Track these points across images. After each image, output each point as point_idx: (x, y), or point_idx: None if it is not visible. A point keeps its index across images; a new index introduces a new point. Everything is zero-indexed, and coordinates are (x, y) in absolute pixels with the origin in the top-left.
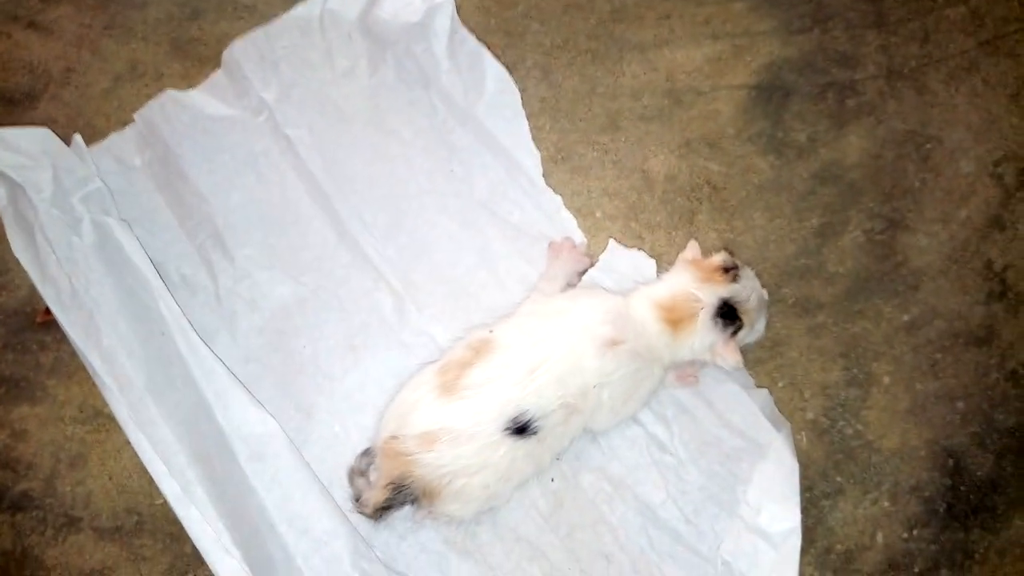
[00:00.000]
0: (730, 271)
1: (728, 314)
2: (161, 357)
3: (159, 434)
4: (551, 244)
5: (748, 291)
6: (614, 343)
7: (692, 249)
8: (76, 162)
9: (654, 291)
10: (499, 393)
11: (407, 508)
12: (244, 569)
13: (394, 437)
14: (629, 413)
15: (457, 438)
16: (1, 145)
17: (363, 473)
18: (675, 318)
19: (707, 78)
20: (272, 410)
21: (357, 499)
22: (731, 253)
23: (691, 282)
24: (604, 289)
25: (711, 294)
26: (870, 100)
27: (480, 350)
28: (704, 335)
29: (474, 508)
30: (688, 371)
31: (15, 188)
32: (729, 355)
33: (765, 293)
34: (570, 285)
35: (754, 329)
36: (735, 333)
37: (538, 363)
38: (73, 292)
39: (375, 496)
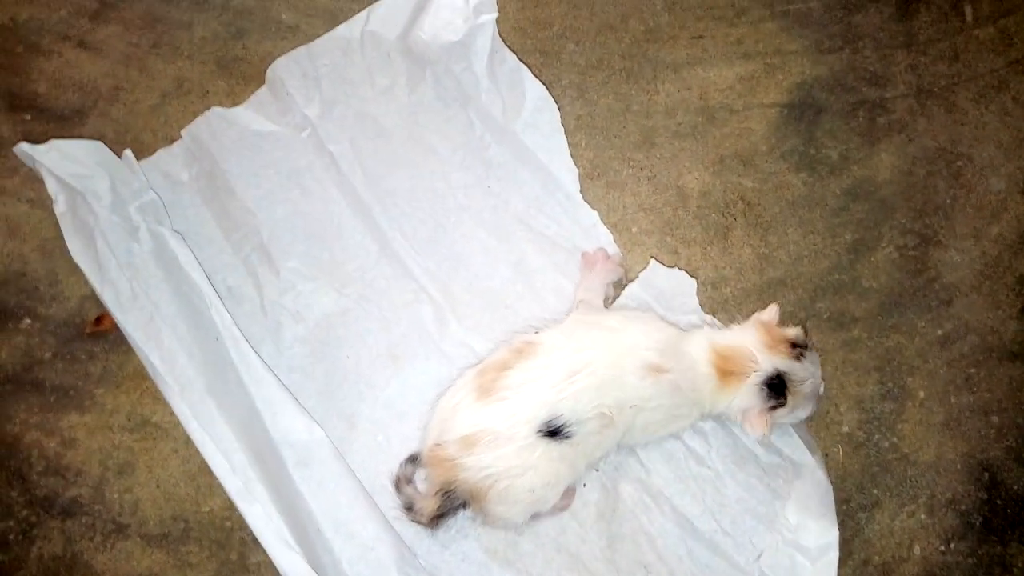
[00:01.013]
0: (797, 348)
1: (777, 388)
2: (217, 361)
3: (220, 432)
4: (584, 255)
5: (806, 374)
6: (658, 370)
7: (771, 312)
8: (129, 174)
9: (717, 336)
10: (536, 394)
11: (459, 515)
12: (306, 565)
13: (438, 444)
14: (660, 439)
15: (496, 440)
16: (58, 155)
17: (410, 481)
18: (727, 369)
19: (740, 96)
20: (315, 419)
21: (409, 508)
22: (806, 332)
23: (756, 342)
24: (661, 318)
25: (769, 362)
26: (900, 118)
27: (522, 352)
28: (745, 397)
29: (521, 511)
30: (758, 420)
31: (75, 195)
32: (756, 426)
33: (823, 387)
34: (607, 296)
35: (794, 413)
36: (774, 408)
37: (580, 368)
38: (133, 295)
39: (428, 505)
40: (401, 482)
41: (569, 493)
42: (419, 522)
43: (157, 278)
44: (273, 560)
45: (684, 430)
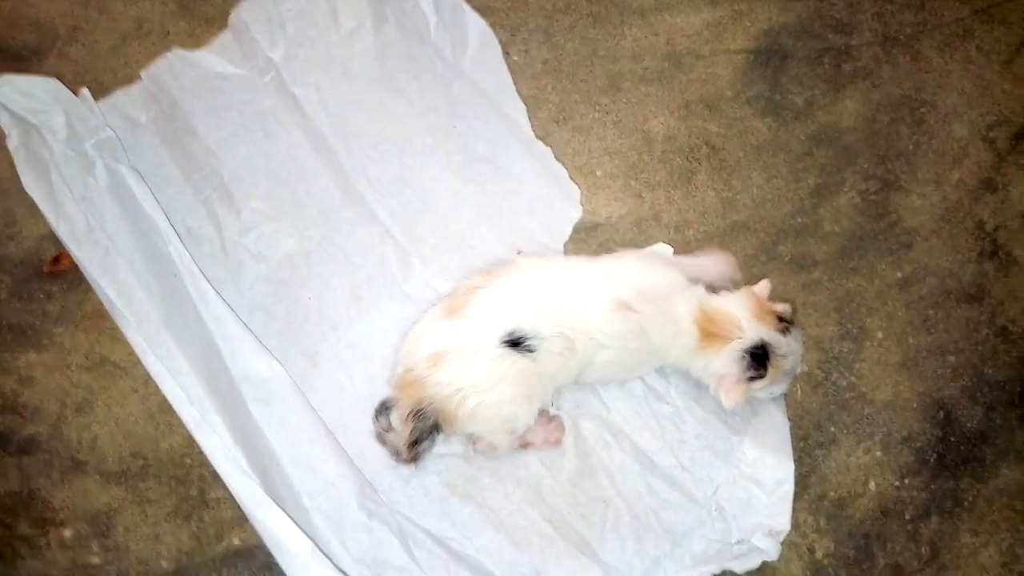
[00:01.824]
0: (784, 323)
1: (759, 358)
2: (175, 296)
3: (177, 366)
4: (727, 257)
5: (789, 350)
6: (627, 308)
7: (764, 287)
8: (86, 111)
9: (708, 298)
10: (501, 309)
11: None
12: (264, 494)
13: (407, 370)
14: (616, 381)
15: (463, 354)
16: (12, 90)
17: (388, 428)
18: (710, 330)
19: (706, 42)
20: (278, 357)
21: (396, 453)
22: (795, 311)
23: (744, 310)
24: (677, 262)
25: (756, 331)
26: (865, 65)
27: (493, 273)
28: (724, 362)
29: (497, 429)
30: (735, 389)
31: (28, 129)
32: (732, 394)
33: (804, 366)
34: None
35: (770, 387)
36: (752, 379)
37: (547, 287)
38: (89, 229)
39: (403, 433)
40: (383, 432)
41: (558, 426)
42: (403, 460)
43: (113, 213)
44: (230, 488)
45: (642, 375)
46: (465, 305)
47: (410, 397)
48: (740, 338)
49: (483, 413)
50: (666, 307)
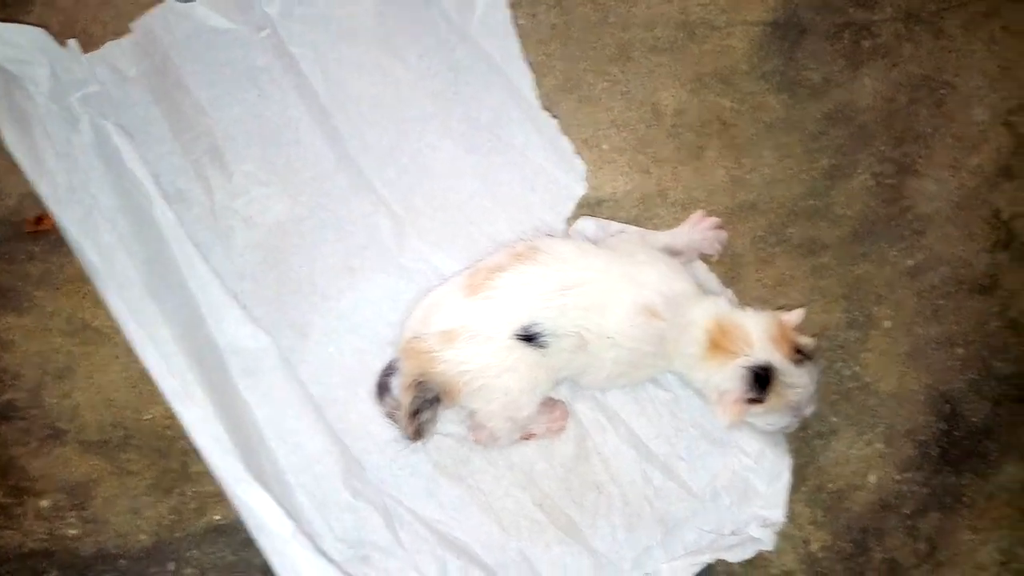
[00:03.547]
0: (801, 354)
1: (762, 380)
2: (159, 262)
3: (158, 334)
4: (696, 214)
5: (798, 382)
6: (654, 315)
7: (796, 316)
8: (73, 63)
9: (724, 310)
10: (522, 299)
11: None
12: (244, 470)
13: (416, 336)
14: (614, 386)
15: (476, 337)
16: None
17: (397, 407)
18: (719, 342)
19: (722, 12)
20: (266, 328)
21: (392, 417)
22: (815, 349)
23: (762, 330)
24: (701, 274)
25: (766, 352)
26: (886, 42)
27: (521, 256)
28: (727, 377)
29: (497, 414)
30: (732, 407)
31: (10, 81)
32: (728, 412)
33: (810, 409)
34: (688, 259)
35: (769, 416)
36: (751, 401)
37: (573, 284)
38: (71, 188)
39: (402, 400)
40: (393, 413)
41: (561, 414)
42: (404, 430)
43: (98, 172)
44: (208, 463)
45: (641, 381)
46: (486, 285)
47: (415, 367)
48: (747, 355)
49: (487, 395)
50: (684, 314)
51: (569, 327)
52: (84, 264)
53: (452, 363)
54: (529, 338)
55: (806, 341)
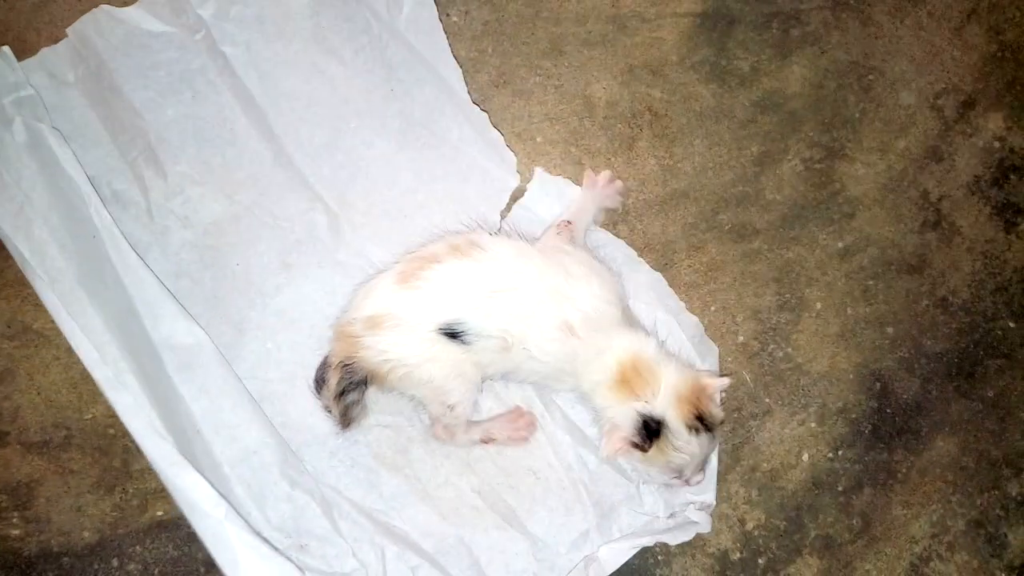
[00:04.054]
0: (702, 421)
1: (650, 431)
2: (93, 257)
3: (91, 324)
4: (588, 174)
5: (685, 447)
6: (570, 332)
7: (720, 383)
8: (6, 69)
9: (647, 351)
10: (450, 294)
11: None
12: (177, 454)
13: (346, 321)
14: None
15: (399, 326)
16: None
17: (326, 381)
18: (628, 379)
19: (652, 5)
20: (203, 325)
21: (329, 410)
22: (718, 423)
23: (674, 387)
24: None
25: (664, 407)
26: (814, 30)
27: (458, 250)
28: (619, 413)
29: (430, 399)
30: (615, 444)
31: None
32: (609, 447)
33: (696, 478)
34: (595, 221)
35: (647, 467)
36: (635, 445)
37: (505, 289)
38: (2, 184)
39: (329, 380)
40: (320, 384)
41: (527, 425)
42: (332, 413)
43: (31, 170)
44: (142, 449)
45: (557, 391)
46: (417, 275)
47: (342, 349)
48: (646, 402)
49: (412, 382)
50: (603, 339)
51: (493, 330)
52: (16, 258)
53: (374, 350)
54: (453, 334)
55: (716, 413)
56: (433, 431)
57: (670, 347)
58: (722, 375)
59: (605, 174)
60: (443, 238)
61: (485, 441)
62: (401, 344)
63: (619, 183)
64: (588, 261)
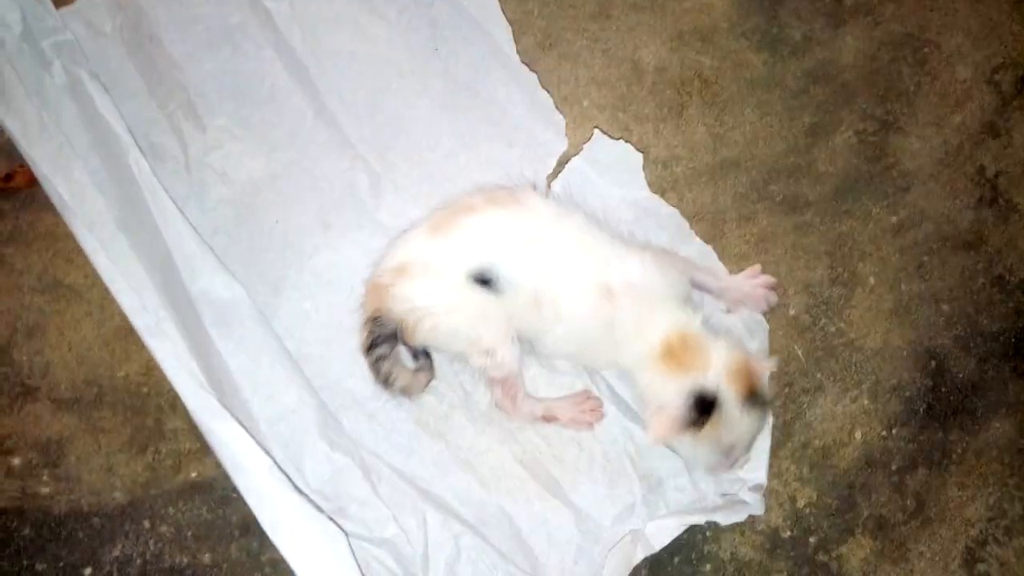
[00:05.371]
0: (755, 396)
1: (703, 406)
2: (133, 204)
3: (131, 270)
4: (750, 270)
5: (737, 423)
6: (608, 296)
7: (769, 363)
8: (44, 13)
9: (695, 327)
10: (482, 241)
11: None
12: (219, 406)
13: (377, 274)
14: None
15: (426, 272)
16: None
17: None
18: (676, 353)
19: None
20: (239, 281)
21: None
22: (770, 400)
23: (724, 359)
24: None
25: (718, 382)
26: (868, 1)
27: (496, 201)
28: (669, 392)
29: (464, 351)
30: (664, 424)
31: None
32: (658, 428)
33: (743, 460)
34: (730, 308)
35: (695, 448)
36: (688, 424)
37: (542, 238)
38: (42, 125)
39: (360, 335)
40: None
41: (593, 410)
42: (375, 370)
43: (71, 112)
44: (183, 399)
45: (588, 368)
46: (451, 224)
47: (373, 302)
48: (698, 378)
49: (441, 335)
50: (646, 312)
51: (526, 280)
52: (54, 200)
53: (401, 298)
54: (484, 281)
55: (766, 388)
56: (494, 398)
57: (718, 322)
58: (771, 354)
59: (767, 279)
60: (482, 191)
61: (547, 419)
62: (429, 291)
63: (774, 295)
64: (652, 248)
